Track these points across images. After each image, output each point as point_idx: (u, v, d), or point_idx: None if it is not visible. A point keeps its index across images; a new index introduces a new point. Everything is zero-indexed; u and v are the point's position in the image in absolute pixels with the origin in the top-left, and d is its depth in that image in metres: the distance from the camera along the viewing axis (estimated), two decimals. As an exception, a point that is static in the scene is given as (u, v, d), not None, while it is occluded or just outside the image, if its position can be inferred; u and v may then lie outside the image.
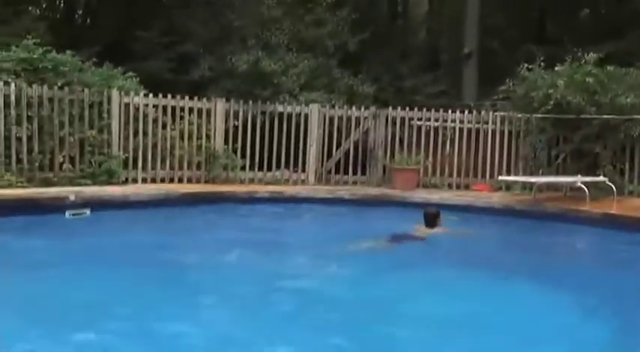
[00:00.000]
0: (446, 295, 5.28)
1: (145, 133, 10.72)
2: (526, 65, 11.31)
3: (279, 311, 4.73)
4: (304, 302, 4.95)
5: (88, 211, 8.36)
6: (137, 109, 10.67)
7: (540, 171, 11.17)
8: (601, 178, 10.11)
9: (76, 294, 4.88)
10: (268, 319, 4.54)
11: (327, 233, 8.23)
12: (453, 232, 7.67)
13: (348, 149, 11.85)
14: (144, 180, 10.65)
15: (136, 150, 10.60)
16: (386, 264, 6.35)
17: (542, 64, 11.35)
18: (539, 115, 11.08)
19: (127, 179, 10.44)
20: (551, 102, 10.70)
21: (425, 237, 7.37)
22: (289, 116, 11.68)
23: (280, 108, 11.75)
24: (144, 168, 10.69)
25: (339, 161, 11.91)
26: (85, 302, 4.68)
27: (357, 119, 11.93)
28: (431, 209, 7.85)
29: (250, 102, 11.59)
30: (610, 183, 9.79)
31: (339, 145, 11.87)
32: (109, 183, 10.00)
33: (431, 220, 7.62)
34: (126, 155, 10.48)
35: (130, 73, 11.20)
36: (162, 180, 10.83)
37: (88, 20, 19.03)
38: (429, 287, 5.50)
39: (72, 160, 10.04)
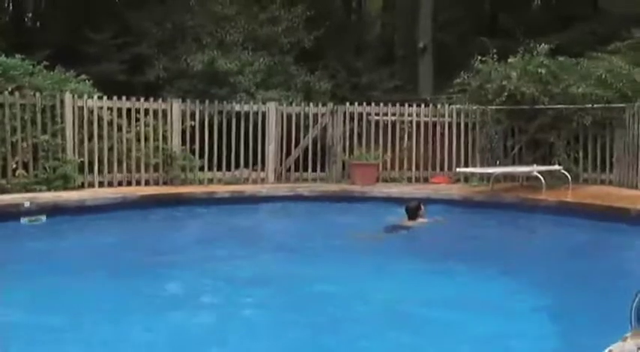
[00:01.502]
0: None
1: (100, 136, 10.53)
2: (480, 57, 11.43)
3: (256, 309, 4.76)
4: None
5: (43, 217, 8.20)
6: (91, 112, 10.47)
7: (497, 162, 11.30)
8: (556, 167, 10.30)
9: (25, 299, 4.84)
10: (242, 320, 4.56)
11: (289, 230, 8.36)
12: (434, 223, 8.18)
13: (307, 146, 11.84)
14: (100, 184, 10.47)
15: (91, 154, 10.42)
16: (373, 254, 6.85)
17: (495, 56, 11.47)
18: (494, 107, 11.21)
19: (83, 184, 10.23)
20: (505, 94, 10.80)
21: (409, 227, 7.91)
22: (247, 115, 11.60)
23: (237, 107, 11.67)
24: (100, 171, 10.51)
25: (298, 158, 11.88)
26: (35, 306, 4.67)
27: (315, 116, 11.92)
28: (412, 203, 8.34)
29: (207, 101, 11.48)
30: (565, 172, 10.00)
31: (297, 143, 11.85)
32: (65, 188, 9.78)
33: (412, 213, 8.11)
34: (81, 159, 10.28)
35: (83, 76, 10.99)
36: (120, 184, 10.66)
37: (38, 23, 18.66)
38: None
39: (25, 166, 9.81)
